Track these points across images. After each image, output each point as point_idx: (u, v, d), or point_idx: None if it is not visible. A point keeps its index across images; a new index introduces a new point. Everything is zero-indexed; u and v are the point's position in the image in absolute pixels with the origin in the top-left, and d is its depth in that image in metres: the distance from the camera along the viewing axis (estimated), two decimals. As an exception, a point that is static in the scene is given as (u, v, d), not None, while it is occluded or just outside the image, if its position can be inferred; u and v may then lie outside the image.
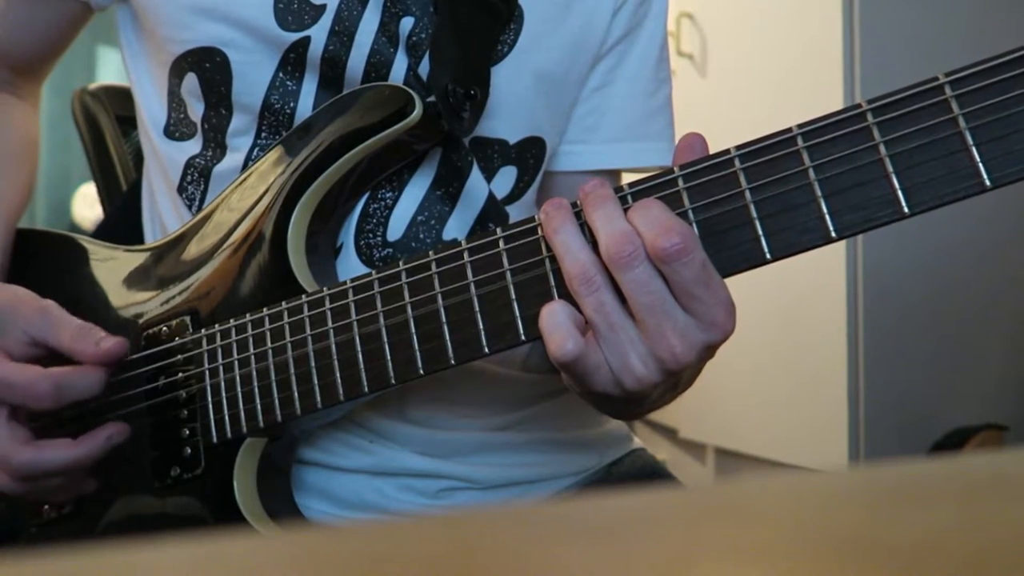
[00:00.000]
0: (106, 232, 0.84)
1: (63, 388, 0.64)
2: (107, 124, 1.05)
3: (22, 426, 0.66)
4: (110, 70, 3.50)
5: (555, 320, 0.54)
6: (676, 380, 0.56)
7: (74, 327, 0.66)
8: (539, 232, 0.58)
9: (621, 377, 0.54)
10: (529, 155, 0.76)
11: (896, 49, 1.84)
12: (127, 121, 1.04)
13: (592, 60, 0.77)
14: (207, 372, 0.68)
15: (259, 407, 0.65)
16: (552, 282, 0.57)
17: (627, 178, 0.83)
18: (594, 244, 0.54)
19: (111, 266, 0.76)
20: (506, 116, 0.73)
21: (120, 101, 1.06)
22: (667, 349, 0.53)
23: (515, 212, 0.76)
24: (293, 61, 0.70)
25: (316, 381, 0.63)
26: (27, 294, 0.68)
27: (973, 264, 1.88)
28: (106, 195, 1.05)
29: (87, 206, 3.14)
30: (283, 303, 0.65)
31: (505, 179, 0.76)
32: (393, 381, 0.61)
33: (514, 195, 0.76)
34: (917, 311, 1.84)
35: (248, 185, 0.71)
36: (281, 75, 0.71)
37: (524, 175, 0.76)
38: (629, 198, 0.56)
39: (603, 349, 0.54)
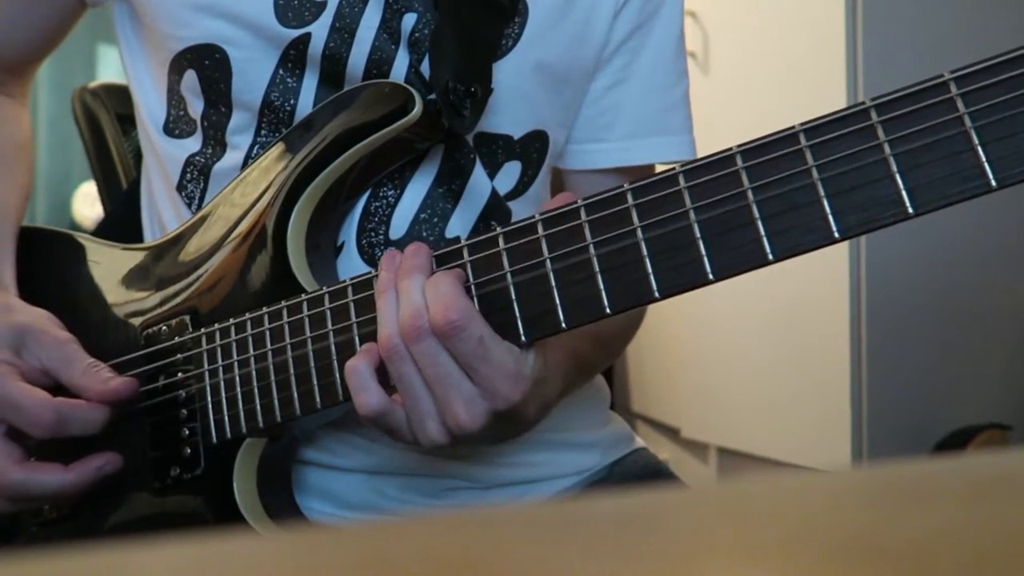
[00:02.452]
0: (106, 231, 0.84)
1: (65, 420, 0.64)
2: (107, 123, 1.05)
3: (17, 445, 0.67)
4: (110, 68, 3.50)
5: (360, 379, 0.58)
6: (508, 425, 0.60)
7: (85, 364, 0.66)
8: (540, 231, 0.57)
9: (417, 437, 0.59)
10: (532, 149, 0.76)
11: (899, 47, 1.84)
12: (127, 120, 1.03)
13: (595, 56, 0.77)
14: (207, 372, 0.67)
15: (259, 407, 0.65)
16: (553, 282, 0.57)
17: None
18: None
19: (110, 264, 0.76)
20: (510, 111, 0.73)
21: (120, 99, 1.06)
22: (453, 417, 0.57)
23: (520, 207, 0.76)
24: (293, 58, 0.70)
25: (316, 381, 0.63)
26: (50, 321, 0.69)
27: (977, 263, 1.88)
28: (107, 194, 1.05)
29: (87, 205, 3.14)
30: (283, 302, 0.65)
31: (509, 174, 0.75)
32: (393, 380, 0.61)
33: (518, 190, 0.76)
34: (920, 311, 1.83)
35: (248, 183, 0.70)
36: (281, 72, 0.71)
37: (528, 170, 0.76)
38: (465, 252, 0.59)
39: (406, 411, 0.58)
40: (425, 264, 0.59)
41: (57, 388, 0.66)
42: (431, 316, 0.56)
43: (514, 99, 0.73)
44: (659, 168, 0.81)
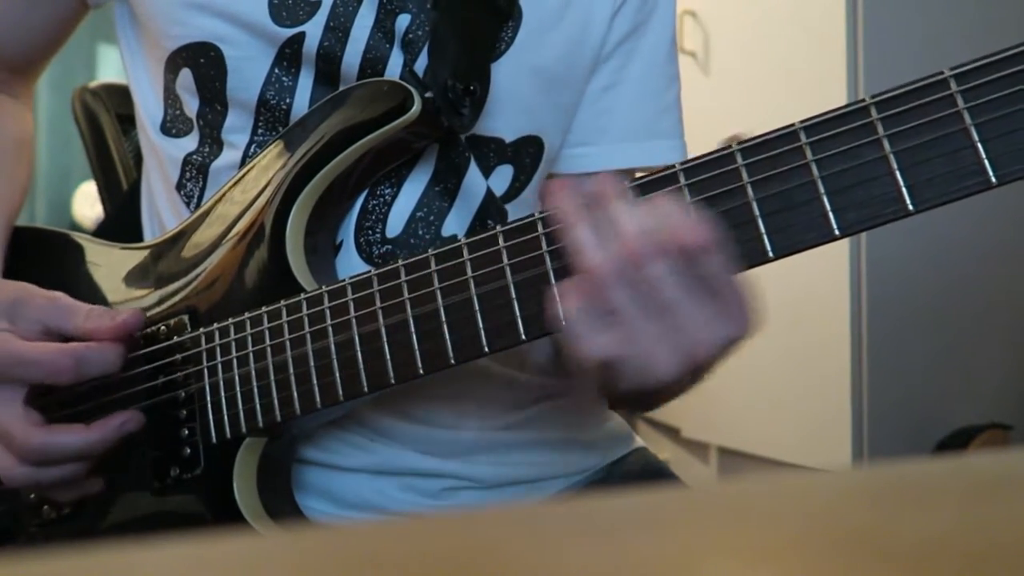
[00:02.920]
0: (106, 231, 0.84)
1: (83, 362, 0.64)
2: (107, 123, 1.05)
3: (36, 411, 0.66)
4: (110, 68, 3.50)
5: (581, 318, 0.53)
6: (694, 376, 0.56)
7: (86, 309, 0.66)
8: (539, 229, 0.57)
9: (646, 373, 0.53)
10: (526, 155, 0.76)
11: (900, 45, 1.84)
12: (127, 120, 1.03)
13: (592, 58, 0.77)
14: (206, 371, 0.67)
15: (258, 407, 0.65)
16: (553, 281, 0.56)
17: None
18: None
19: (109, 264, 0.76)
20: (503, 114, 0.73)
21: (120, 99, 1.06)
22: (691, 345, 0.52)
23: (512, 211, 0.75)
24: (288, 57, 0.70)
25: (315, 381, 0.63)
26: (33, 287, 0.69)
27: (977, 262, 1.88)
28: (107, 194, 1.04)
29: (88, 205, 3.14)
30: (281, 302, 0.65)
31: (501, 178, 0.75)
32: (393, 381, 0.61)
33: (510, 194, 0.76)
34: (921, 310, 1.83)
35: (246, 182, 0.70)
36: (276, 71, 0.71)
37: (520, 175, 0.76)
38: (631, 193, 0.56)
39: (629, 346, 0.53)
40: (624, 190, 0.55)
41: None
42: (677, 236, 0.51)
43: (507, 102, 0.73)
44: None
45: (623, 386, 0.54)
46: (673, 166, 0.55)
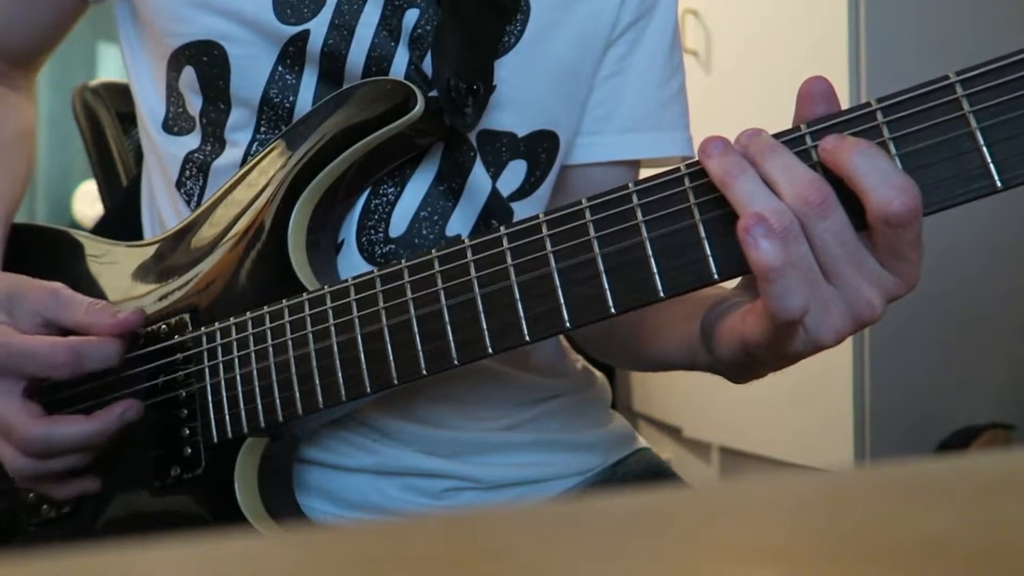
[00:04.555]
0: (105, 229, 0.84)
1: (82, 356, 0.64)
2: (108, 121, 1.05)
3: (36, 403, 0.66)
4: (111, 67, 3.50)
5: (787, 273, 0.49)
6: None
7: (87, 303, 0.66)
8: (543, 231, 0.57)
9: (818, 333, 0.51)
10: (540, 149, 0.75)
11: (902, 44, 1.84)
12: (128, 118, 1.04)
13: (603, 49, 0.77)
14: (207, 371, 0.67)
15: (260, 407, 0.65)
16: (557, 281, 0.56)
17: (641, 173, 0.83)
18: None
19: (109, 262, 0.75)
20: (514, 108, 0.73)
21: (121, 98, 1.06)
22: (865, 302, 0.50)
23: (526, 208, 0.75)
24: (292, 55, 0.70)
25: (318, 381, 0.63)
26: (31, 279, 0.68)
27: (979, 262, 1.88)
28: (107, 192, 1.05)
29: (88, 203, 3.14)
30: (284, 301, 0.65)
31: (515, 173, 0.75)
32: (396, 381, 0.61)
33: (524, 191, 0.76)
34: (923, 309, 1.83)
35: (247, 181, 0.70)
36: (280, 69, 0.70)
37: (535, 170, 0.76)
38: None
39: (816, 304, 0.50)
40: (777, 143, 0.52)
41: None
42: (873, 194, 0.48)
43: (517, 96, 0.73)
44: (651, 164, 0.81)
45: (787, 350, 0.52)
46: (678, 168, 0.55)
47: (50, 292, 0.66)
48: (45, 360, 0.63)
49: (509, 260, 0.58)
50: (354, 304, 0.62)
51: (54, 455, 0.66)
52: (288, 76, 0.70)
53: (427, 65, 0.70)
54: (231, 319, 0.67)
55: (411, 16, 0.70)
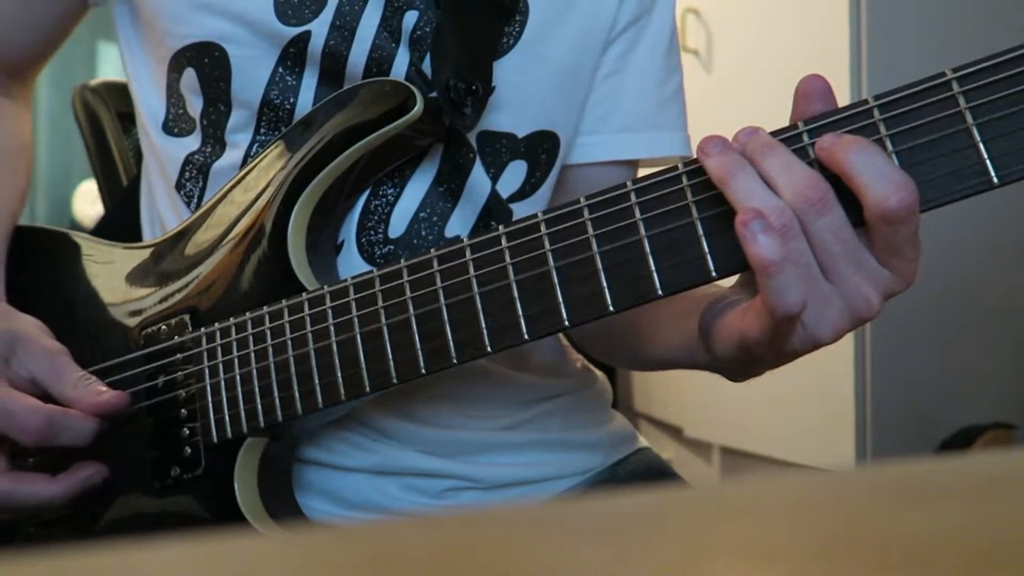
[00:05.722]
0: (105, 229, 0.84)
1: (55, 428, 0.64)
2: (108, 120, 1.05)
3: (2, 455, 0.66)
4: (111, 66, 3.50)
5: (787, 268, 0.49)
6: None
7: (76, 377, 0.66)
8: (542, 230, 0.57)
9: (817, 330, 0.51)
10: (540, 150, 0.75)
11: (903, 43, 1.84)
12: (128, 118, 1.03)
13: (601, 49, 0.77)
14: (207, 371, 0.67)
15: (260, 407, 0.65)
16: (556, 280, 0.56)
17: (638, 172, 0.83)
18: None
19: (109, 264, 0.75)
20: (514, 109, 0.73)
21: (121, 97, 1.06)
22: (863, 300, 0.50)
23: (526, 209, 0.75)
24: (293, 56, 0.70)
25: (317, 380, 0.63)
26: (40, 330, 0.68)
27: (981, 261, 1.88)
28: (107, 192, 1.04)
29: (88, 203, 3.14)
30: (283, 301, 0.65)
31: (515, 174, 0.75)
32: (395, 380, 0.61)
33: (525, 191, 0.76)
34: (924, 309, 1.83)
35: (248, 181, 0.70)
36: (281, 70, 0.70)
37: (535, 171, 0.76)
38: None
39: (813, 300, 0.50)
40: (775, 141, 0.52)
41: (45, 399, 0.65)
42: (871, 193, 0.48)
43: (517, 97, 0.73)
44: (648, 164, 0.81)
45: (786, 348, 0.53)
46: (676, 167, 0.55)
47: (49, 355, 0.66)
48: (18, 422, 0.63)
49: (508, 259, 0.58)
50: (353, 304, 0.62)
51: (17, 512, 0.66)
52: (289, 77, 0.70)
53: (427, 66, 0.70)
54: (231, 319, 0.67)
55: (411, 17, 0.70)
